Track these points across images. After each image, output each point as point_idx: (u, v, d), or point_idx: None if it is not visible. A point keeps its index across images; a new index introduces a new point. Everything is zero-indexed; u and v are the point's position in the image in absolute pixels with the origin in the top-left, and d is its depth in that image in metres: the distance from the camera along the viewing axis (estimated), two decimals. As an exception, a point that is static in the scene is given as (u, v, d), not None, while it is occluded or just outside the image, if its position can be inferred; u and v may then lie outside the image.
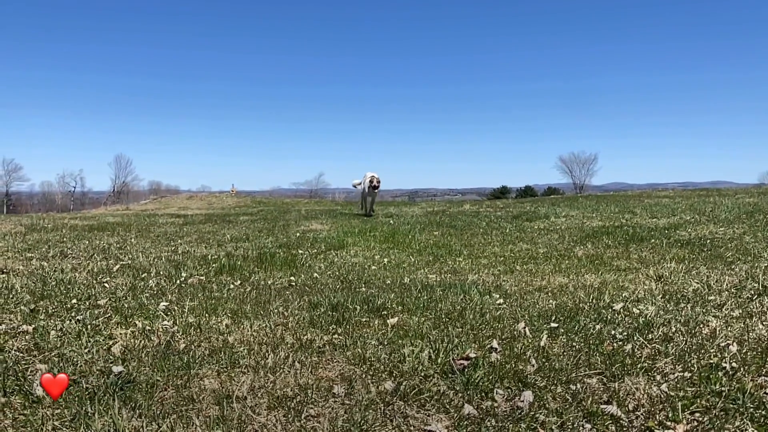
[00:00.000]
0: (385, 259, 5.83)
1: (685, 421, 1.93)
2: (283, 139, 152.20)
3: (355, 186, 12.66)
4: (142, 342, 2.94)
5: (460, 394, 2.26)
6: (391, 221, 10.27)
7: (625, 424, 1.98)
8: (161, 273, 4.85)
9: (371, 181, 11.45)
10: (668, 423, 1.93)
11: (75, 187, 67.94)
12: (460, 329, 3.12)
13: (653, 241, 6.65)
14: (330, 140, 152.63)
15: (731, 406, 2.04)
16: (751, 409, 2.00)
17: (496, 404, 2.17)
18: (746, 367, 2.38)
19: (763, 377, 2.29)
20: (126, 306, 3.61)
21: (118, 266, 5.15)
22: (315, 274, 4.93)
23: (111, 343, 2.93)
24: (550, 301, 3.75)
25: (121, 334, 3.09)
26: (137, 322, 3.27)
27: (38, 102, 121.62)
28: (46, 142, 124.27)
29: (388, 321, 3.29)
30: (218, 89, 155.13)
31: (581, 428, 1.96)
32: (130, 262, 5.45)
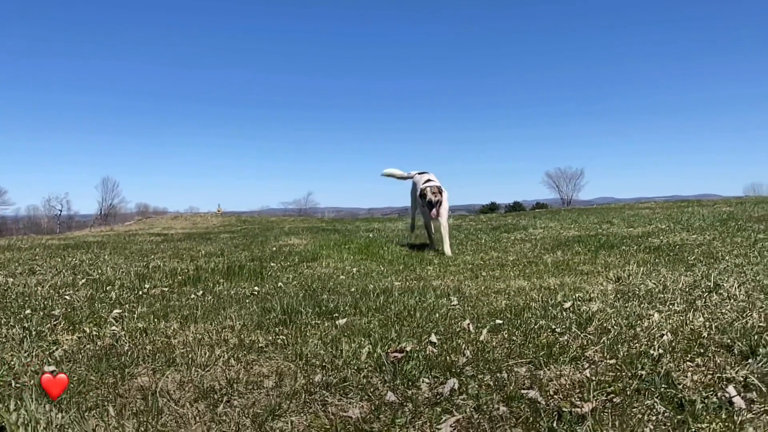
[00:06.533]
0: (355, 269, 5.84)
1: (594, 401, 1.95)
2: (271, 159, 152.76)
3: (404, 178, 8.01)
4: (87, 346, 2.95)
5: (387, 384, 2.28)
6: (371, 235, 10.30)
7: (541, 405, 2.00)
8: (125, 285, 4.85)
9: (425, 194, 6.84)
10: (578, 403, 1.95)
11: (61, 211, 67.38)
12: (407, 327, 3.13)
13: (623, 248, 6.70)
14: (318, 160, 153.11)
15: (645, 386, 2.06)
16: (663, 388, 2.03)
17: (420, 392, 2.18)
18: (673, 354, 2.41)
19: (687, 362, 2.32)
20: (79, 315, 3.61)
21: (84, 280, 5.14)
22: (280, 284, 4.94)
23: (54, 348, 2.93)
24: (503, 301, 3.78)
25: (67, 339, 3.09)
26: (86, 328, 3.27)
27: (22, 124, 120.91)
28: (31, 166, 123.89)
29: (337, 322, 3.31)
30: (206, 110, 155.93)
31: (496, 411, 1.97)
32: (98, 276, 5.44)
